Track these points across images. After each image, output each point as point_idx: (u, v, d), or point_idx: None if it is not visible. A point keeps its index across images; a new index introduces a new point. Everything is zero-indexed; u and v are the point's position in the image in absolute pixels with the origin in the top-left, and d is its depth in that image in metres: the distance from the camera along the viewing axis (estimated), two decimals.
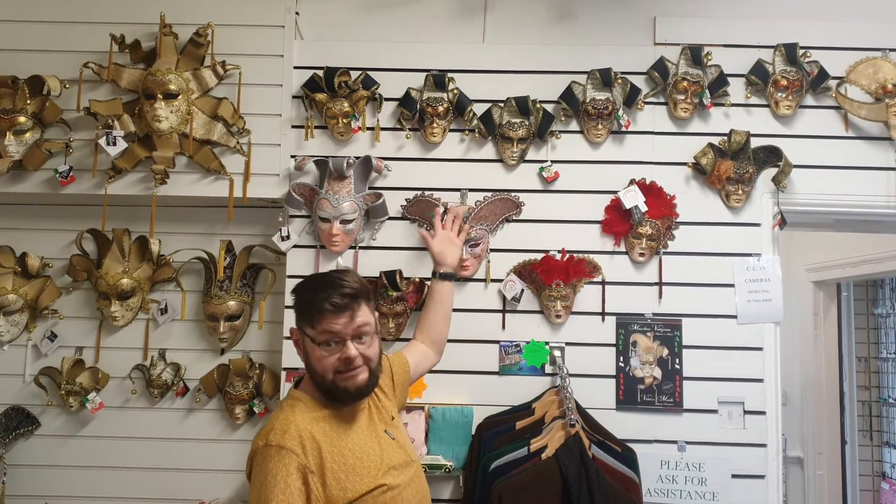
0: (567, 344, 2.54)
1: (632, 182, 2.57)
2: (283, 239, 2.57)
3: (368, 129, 2.63)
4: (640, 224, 2.53)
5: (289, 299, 2.47)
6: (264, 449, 1.57)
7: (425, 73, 2.61)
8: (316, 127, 2.62)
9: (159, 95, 2.52)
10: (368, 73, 2.61)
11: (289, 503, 1.50)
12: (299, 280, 1.82)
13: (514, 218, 2.60)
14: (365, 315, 1.69)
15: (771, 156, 2.54)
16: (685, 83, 2.56)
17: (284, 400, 1.73)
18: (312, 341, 1.67)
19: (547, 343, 2.54)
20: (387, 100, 2.63)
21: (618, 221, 2.57)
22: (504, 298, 2.56)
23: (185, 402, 2.68)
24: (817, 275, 4.79)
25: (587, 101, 2.57)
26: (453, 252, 2.34)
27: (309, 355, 1.69)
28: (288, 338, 2.52)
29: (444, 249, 2.31)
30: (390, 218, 2.60)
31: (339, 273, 1.74)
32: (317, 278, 1.77)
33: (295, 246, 2.59)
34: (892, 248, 4.04)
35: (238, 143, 2.60)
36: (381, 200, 2.56)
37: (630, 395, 2.50)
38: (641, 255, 2.55)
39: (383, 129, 2.63)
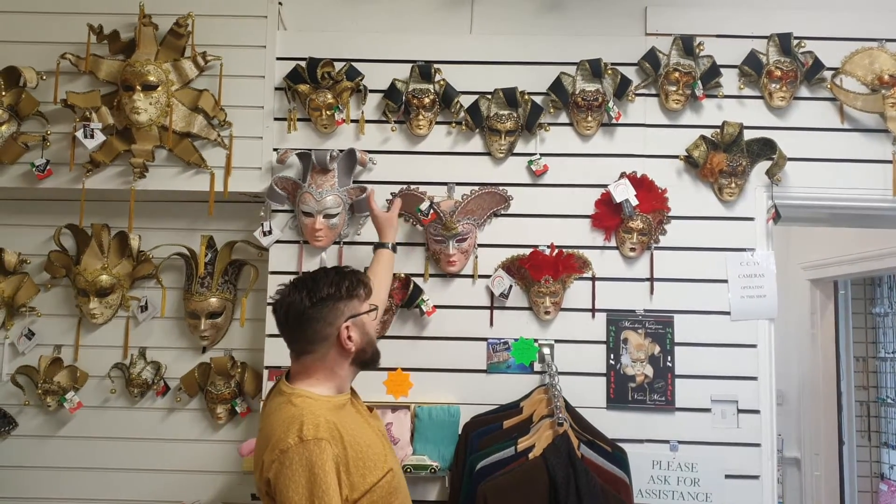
0: (556, 341, 2.48)
1: (622, 175, 2.52)
2: (264, 234, 2.51)
3: (353, 121, 2.57)
4: (631, 218, 2.47)
5: (273, 296, 2.42)
6: (301, 445, 1.57)
7: (411, 64, 2.56)
8: (299, 119, 2.57)
9: (138, 87, 2.46)
10: (353, 63, 2.55)
11: (338, 493, 1.56)
12: (290, 278, 1.84)
13: (503, 212, 2.55)
14: None
15: (765, 148, 2.48)
16: (677, 74, 2.50)
17: (291, 398, 1.68)
18: (367, 314, 1.81)
19: (536, 340, 2.48)
20: (372, 91, 2.58)
21: (608, 216, 2.51)
22: (492, 295, 2.50)
23: (166, 402, 2.62)
24: (814, 273, 4.73)
25: (577, 92, 2.51)
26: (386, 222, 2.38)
27: (367, 330, 1.81)
28: (271, 335, 2.47)
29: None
30: None
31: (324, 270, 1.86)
32: (325, 271, 1.84)
33: (277, 241, 2.54)
34: (890, 245, 3.98)
35: (219, 135, 2.55)
36: (365, 194, 2.50)
37: (621, 393, 2.44)
38: (632, 249, 2.49)
39: (368, 121, 2.58)
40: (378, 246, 2.32)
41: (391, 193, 2.53)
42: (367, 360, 1.82)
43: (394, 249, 2.34)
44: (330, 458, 1.57)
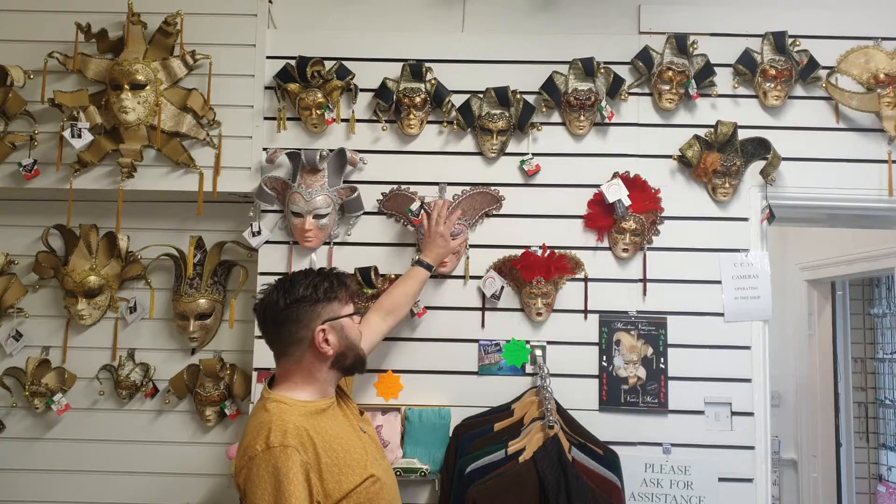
0: (548, 343, 2.45)
1: (615, 175, 2.49)
2: (254, 234, 2.49)
3: (343, 120, 2.55)
4: (624, 219, 2.45)
5: (256, 296, 2.38)
6: (267, 452, 1.55)
7: (402, 63, 2.53)
8: (289, 118, 2.54)
9: (126, 86, 2.44)
10: (343, 62, 2.53)
11: (305, 500, 1.53)
12: (275, 279, 1.83)
13: (494, 212, 2.52)
14: None
15: (759, 148, 2.46)
16: (670, 73, 2.48)
17: (265, 403, 1.67)
18: (349, 317, 1.77)
19: (528, 342, 2.45)
20: (362, 90, 2.55)
21: (601, 216, 2.49)
22: (483, 296, 2.47)
23: (155, 404, 2.60)
24: (812, 273, 4.71)
25: (569, 91, 2.49)
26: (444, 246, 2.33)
27: (347, 334, 1.76)
28: (260, 337, 2.43)
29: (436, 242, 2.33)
30: (366, 213, 2.52)
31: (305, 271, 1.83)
32: (306, 272, 1.81)
33: (267, 242, 2.51)
34: (888, 246, 3.96)
35: (208, 135, 2.52)
36: (355, 194, 2.48)
37: (613, 395, 2.42)
38: (625, 250, 2.47)
39: (358, 120, 2.55)
40: (420, 263, 2.29)
41: (381, 193, 2.51)
42: (347, 365, 1.78)
43: (430, 271, 2.30)
44: (296, 465, 1.54)
